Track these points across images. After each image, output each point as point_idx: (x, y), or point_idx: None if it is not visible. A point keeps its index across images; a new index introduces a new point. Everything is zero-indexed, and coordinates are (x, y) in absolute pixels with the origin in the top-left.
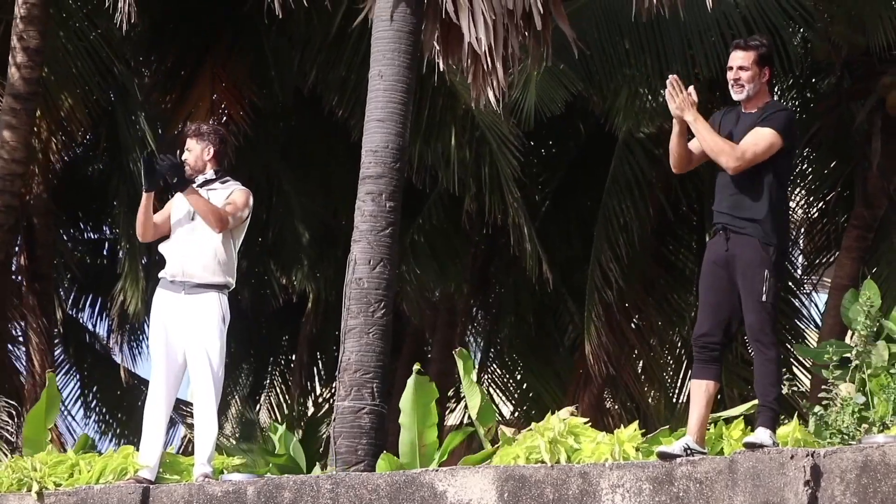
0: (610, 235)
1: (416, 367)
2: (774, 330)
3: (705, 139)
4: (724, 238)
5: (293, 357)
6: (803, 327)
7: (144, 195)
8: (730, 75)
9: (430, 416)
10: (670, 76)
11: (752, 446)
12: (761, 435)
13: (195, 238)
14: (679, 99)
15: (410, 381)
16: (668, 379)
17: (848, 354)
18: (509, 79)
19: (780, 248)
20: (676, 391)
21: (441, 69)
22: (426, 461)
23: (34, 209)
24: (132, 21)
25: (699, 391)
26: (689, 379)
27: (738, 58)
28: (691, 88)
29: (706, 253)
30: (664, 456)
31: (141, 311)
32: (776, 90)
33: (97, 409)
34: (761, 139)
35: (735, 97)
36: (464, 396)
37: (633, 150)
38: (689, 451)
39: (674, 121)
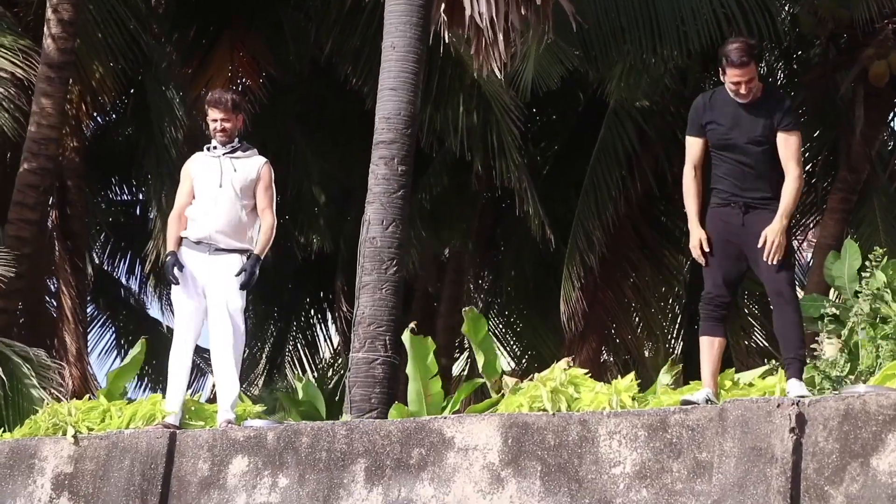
0: (598, 200)
1: (411, 325)
2: (793, 287)
3: (788, 206)
4: (741, 212)
5: (313, 313)
6: None
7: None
8: (737, 88)
9: (431, 368)
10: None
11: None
12: (795, 387)
13: (220, 206)
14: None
15: (406, 341)
16: (664, 334)
17: (832, 310)
18: (511, 51)
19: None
20: (674, 344)
21: (446, 41)
22: (434, 409)
23: (67, 171)
24: None
25: (710, 347)
26: (700, 334)
27: (742, 74)
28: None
29: (716, 221)
30: (687, 403)
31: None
32: (763, 62)
33: None
34: (796, 145)
35: (741, 101)
36: (468, 348)
37: (622, 120)
38: (709, 402)
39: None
